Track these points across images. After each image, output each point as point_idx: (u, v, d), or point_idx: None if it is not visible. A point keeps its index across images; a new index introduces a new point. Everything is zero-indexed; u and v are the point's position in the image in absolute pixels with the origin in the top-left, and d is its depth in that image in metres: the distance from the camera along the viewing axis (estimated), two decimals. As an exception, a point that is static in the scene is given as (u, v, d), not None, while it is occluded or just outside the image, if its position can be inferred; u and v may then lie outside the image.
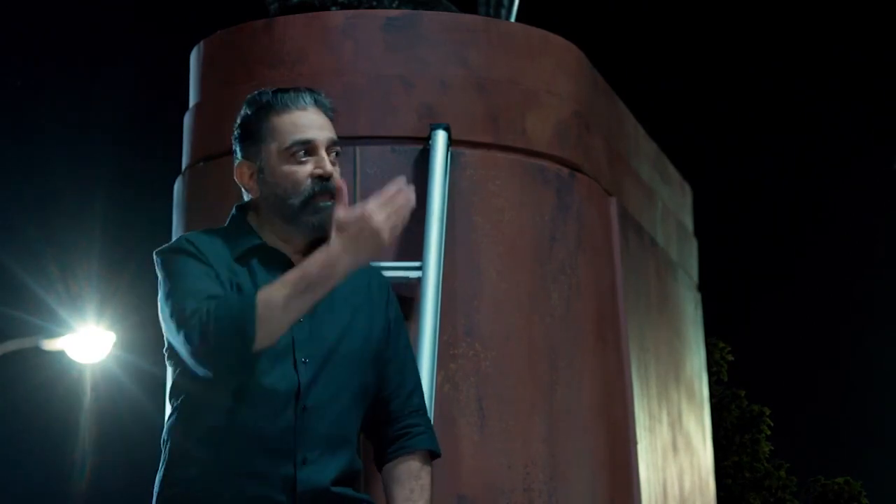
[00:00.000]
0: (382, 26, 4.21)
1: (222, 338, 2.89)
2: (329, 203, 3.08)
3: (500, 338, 4.06)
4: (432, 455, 3.25)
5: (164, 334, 3.12)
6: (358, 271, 2.98)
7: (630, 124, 5.18)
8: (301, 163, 3.11)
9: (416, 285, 3.88)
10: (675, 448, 5.30)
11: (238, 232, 3.17)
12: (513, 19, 5.02)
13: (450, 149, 4.07)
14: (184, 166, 4.46)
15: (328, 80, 4.06)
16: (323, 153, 3.12)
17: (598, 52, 5.26)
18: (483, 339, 4.03)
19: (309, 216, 3.10)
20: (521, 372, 4.07)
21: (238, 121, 3.21)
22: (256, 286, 3.01)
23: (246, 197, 3.21)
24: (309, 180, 3.10)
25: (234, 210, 3.24)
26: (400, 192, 2.93)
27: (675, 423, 5.36)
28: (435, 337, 3.81)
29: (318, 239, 3.10)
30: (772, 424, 25.98)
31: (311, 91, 3.19)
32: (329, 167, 3.11)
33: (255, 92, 3.22)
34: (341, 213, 2.91)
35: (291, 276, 2.92)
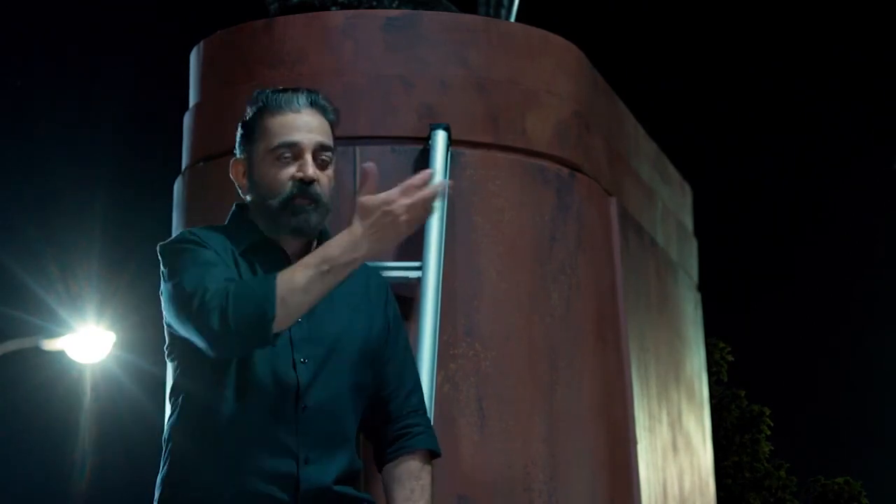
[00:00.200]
0: (382, 26, 4.21)
1: (242, 317, 2.86)
2: (309, 206, 3.08)
3: (500, 338, 4.06)
4: (432, 455, 3.25)
5: (167, 330, 3.12)
6: (357, 271, 2.97)
7: (630, 124, 5.17)
8: (284, 165, 3.11)
9: (416, 285, 3.87)
10: (675, 448, 5.30)
11: (239, 228, 3.18)
12: (513, 19, 5.01)
13: (450, 149, 4.07)
14: (184, 166, 4.46)
15: (328, 80, 4.06)
16: (308, 157, 3.11)
17: (598, 52, 5.26)
18: (483, 339, 4.03)
19: (287, 218, 3.10)
20: (521, 372, 4.07)
21: (241, 119, 3.23)
22: None
23: (242, 194, 3.22)
24: (290, 183, 3.10)
25: (234, 207, 3.25)
26: (427, 187, 2.90)
27: (675, 424, 5.36)
28: (435, 337, 3.80)
29: (309, 242, 3.11)
30: (772, 424, 25.99)
31: (310, 93, 3.19)
32: (311, 171, 3.10)
33: (257, 91, 3.23)
34: (365, 198, 2.90)
35: (312, 258, 2.91)
